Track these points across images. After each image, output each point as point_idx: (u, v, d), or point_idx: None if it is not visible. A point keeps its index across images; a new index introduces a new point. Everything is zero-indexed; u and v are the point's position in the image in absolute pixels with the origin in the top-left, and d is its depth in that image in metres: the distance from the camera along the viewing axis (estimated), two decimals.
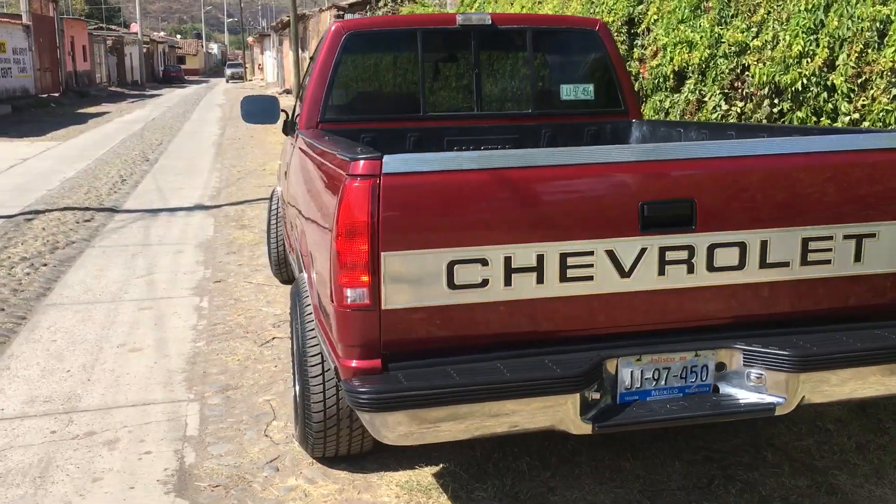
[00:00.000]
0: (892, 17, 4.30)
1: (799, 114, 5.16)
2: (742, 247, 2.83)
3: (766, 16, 5.46)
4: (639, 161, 2.76)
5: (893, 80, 4.35)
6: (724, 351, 2.86)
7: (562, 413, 2.64)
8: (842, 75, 4.71)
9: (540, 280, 2.72)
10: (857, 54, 4.57)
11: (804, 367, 2.75)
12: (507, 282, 2.70)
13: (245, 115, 5.85)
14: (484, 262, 2.67)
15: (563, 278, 2.73)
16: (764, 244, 2.85)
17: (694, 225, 2.78)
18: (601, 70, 5.20)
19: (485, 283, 2.69)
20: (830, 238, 2.89)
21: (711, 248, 2.81)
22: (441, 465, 3.62)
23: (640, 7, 7.29)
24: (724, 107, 5.85)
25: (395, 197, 2.59)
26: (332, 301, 2.71)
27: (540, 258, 2.70)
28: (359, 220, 2.58)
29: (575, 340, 2.81)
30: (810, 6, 4.97)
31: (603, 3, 7.90)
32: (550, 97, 5.14)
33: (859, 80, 4.63)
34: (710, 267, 2.82)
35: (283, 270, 6.75)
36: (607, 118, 5.20)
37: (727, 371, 2.89)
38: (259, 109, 5.81)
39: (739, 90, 5.78)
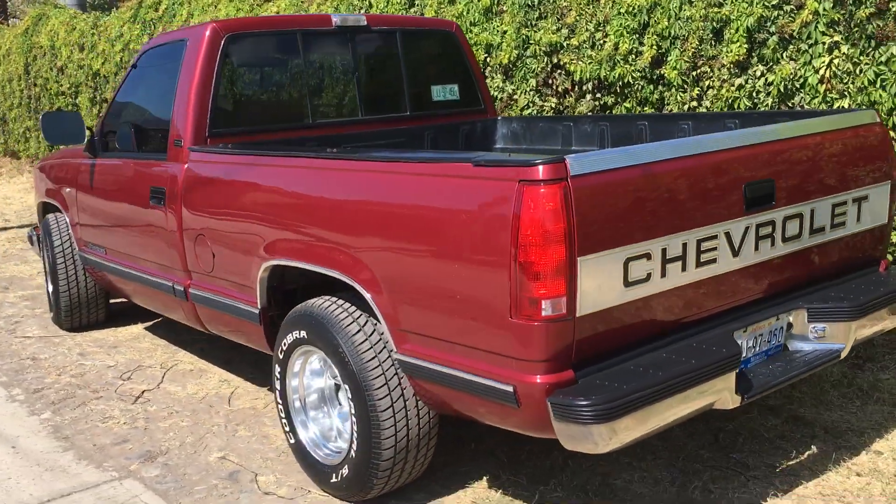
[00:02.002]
0: (731, 17, 5.02)
1: (626, 105, 5.74)
2: (801, 218, 3.19)
3: (577, 18, 5.97)
4: (742, 146, 2.97)
5: (735, 71, 5.08)
6: (795, 311, 3.20)
7: (726, 389, 2.76)
8: (675, 69, 5.36)
9: (683, 268, 2.80)
10: (693, 50, 5.24)
11: (859, 314, 3.19)
12: (663, 273, 2.74)
13: (47, 134, 4.95)
14: (648, 257, 2.68)
15: (698, 264, 2.85)
16: (812, 213, 3.23)
17: (774, 201, 3.06)
18: (461, 70, 5.29)
19: (648, 277, 2.70)
20: (846, 203, 3.38)
21: (784, 222, 3.13)
22: (486, 478, 3.50)
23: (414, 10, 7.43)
24: (539, 102, 6.26)
25: (583, 198, 2.49)
26: (513, 316, 2.51)
27: (684, 246, 2.78)
28: (553, 226, 2.43)
29: (701, 322, 2.94)
30: (632, 10, 5.56)
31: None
32: (423, 99, 5.10)
33: (694, 73, 5.31)
34: (783, 238, 3.14)
35: (77, 316, 5.79)
36: (472, 117, 5.31)
37: (793, 330, 3.23)
38: (62, 127, 4.96)
39: (553, 86, 6.23)
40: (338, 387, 3.54)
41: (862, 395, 4.13)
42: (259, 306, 3.72)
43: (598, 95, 5.92)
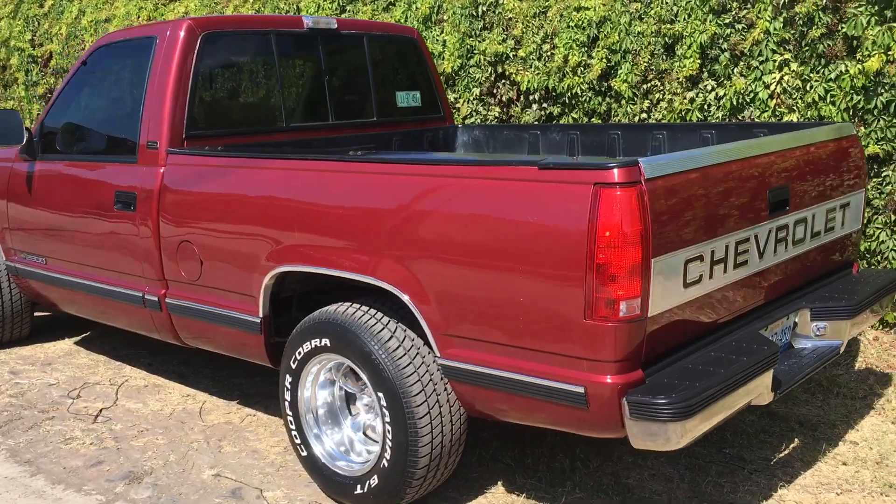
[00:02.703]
0: (684, 34, 5.25)
1: (574, 115, 5.89)
2: (805, 222, 3.38)
3: (524, 30, 6.07)
4: (770, 153, 3.12)
5: (687, 85, 5.31)
6: (801, 311, 3.39)
7: (764, 385, 2.88)
8: (625, 82, 5.55)
9: (724, 270, 2.91)
10: (645, 64, 5.44)
11: (855, 313, 3.41)
12: (711, 275, 2.84)
13: (5, 136, 4.59)
14: (701, 259, 2.77)
15: (735, 265, 2.97)
16: (813, 218, 3.44)
17: (788, 206, 3.24)
18: (423, 77, 5.28)
19: (700, 278, 2.79)
20: (836, 209, 3.61)
21: (794, 226, 3.31)
22: (501, 483, 3.50)
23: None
24: (483, 111, 6.32)
25: (655, 200, 2.55)
26: (587, 318, 2.53)
27: (726, 249, 2.90)
28: (630, 228, 2.47)
29: (732, 321, 3.06)
30: (581, 24, 5.72)
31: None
32: (389, 104, 5.05)
33: (644, 86, 5.51)
34: (793, 241, 3.32)
35: (0, 331, 5.36)
36: (433, 124, 5.30)
37: (798, 329, 3.42)
38: (12, 127, 4.61)
39: (496, 96, 6.31)
40: (349, 396, 3.46)
41: (823, 391, 4.40)
42: (260, 315, 3.57)
43: (545, 105, 6.05)
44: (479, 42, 6.27)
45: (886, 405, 4.20)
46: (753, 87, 5.02)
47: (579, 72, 5.76)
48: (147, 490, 3.55)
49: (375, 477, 3.16)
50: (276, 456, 3.83)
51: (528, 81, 6.00)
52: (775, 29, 4.90)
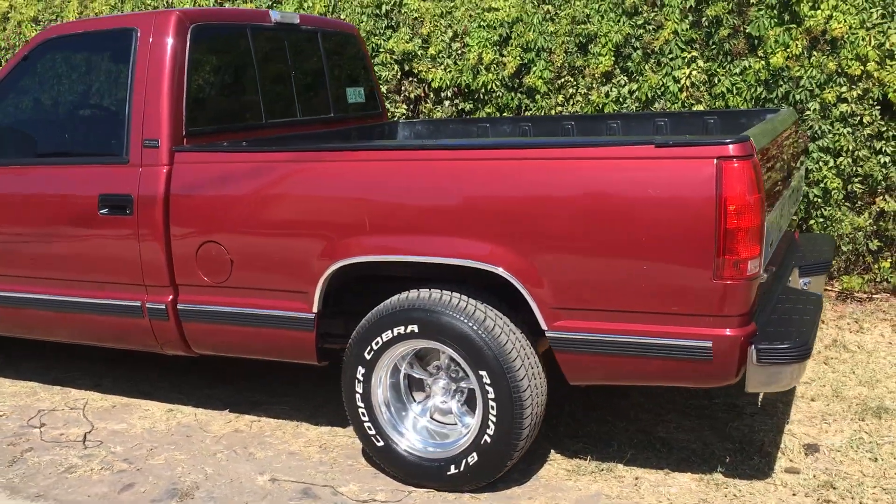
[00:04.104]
0: (598, 33, 5.70)
1: (487, 110, 6.18)
2: (794, 190, 3.94)
3: (432, 29, 6.25)
4: (784, 130, 3.62)
5: (602, 80, 5.78)
6: (793, 268, 3.93)
7: None
8: (540, 78, 5.93)
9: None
10: (560, 61, 5.84)
11: (827, 269, 4.03)
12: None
13: None
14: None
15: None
16: (798, 187, 4.00)
17: (790, 178, 3.76)
18: (364, 73, 5.32)
19: (771, 240, 3.20)
20: (801, 179, 4.21)
21: (791, 193, 3.84)
22: (551, 450, 3.72)
23: None
24: (390, 109, 6.42)
25: (760, 170, 2.91)
26: (716, 278, 2.83)
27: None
28: (752, 196, 2.81)
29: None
30: (494, 24, 6.02)
31: None
32: (341, 100, 5.04)
33: (558, 82, 5.92)
34: (789, 206, 3.86)
35: None
36: (374, 120, 5.36)
37: (790, 283, 3.96)
38: None
39: (403, 93, 6.43)
40: (410, 380, 3.50)
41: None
42: (314, 311, 3.51)
43: (456, 101, 6.29)
44: (385, 41, 6.37)
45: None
46: (664, 81, 5.60)
47: (493, 69, 6.07)
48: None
49: (475, 454, 3.26)
50: (320, 454, 3.76)
51: (441, 79, 6.20)
52: (683, 30, 5.51)
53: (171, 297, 3.80)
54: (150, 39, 3.84)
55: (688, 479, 3.44)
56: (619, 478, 3.46)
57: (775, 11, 5.26)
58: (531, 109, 6.09)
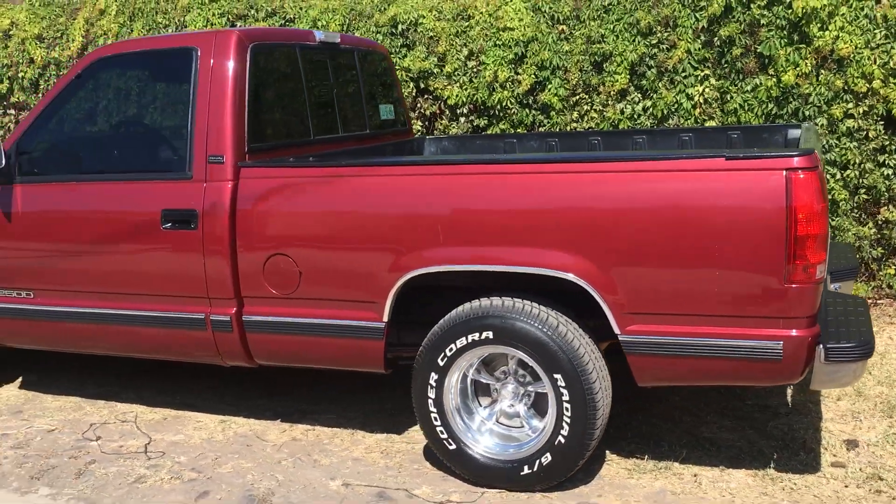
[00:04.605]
0: (612, 51, 5.93)
1: (501, 126, 6.36)
2: None
3: (448, 48, 6.42)
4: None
5: (617, 97, 6.01)
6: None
7: None
8: (555, 95, 6.13)
9: None
10: (576, 78, 6.06)
11: (856, 275, 4.27)
12: None
13: None
14: None
15: None
16: None
17: None
18: (394, 91, 5.47)
19: None
20: None
21: None
22: (606, 450, 3.88)
23: None
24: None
25: (824, 180, 3.12)
26: (787, 282, 3.02)
27: None
28: (819, 205, 3.02)
29: None
30: (511, 43, 6.21)
31: None
32: (374, 117, 5.18)
33: (573, 99, 6.13)
34: None
35: None
36: (402, 136, 5.51)
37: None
38: None
39: (419, 110, 6.59)
40: (476, 385, 3.64)
41: None
42: (385, 320, 3.63)
43: (472, 118, 6.46)
44: (401, 59, 6.52)
45: None
46: (678, 98, 5.85)
47: (508, 86, 6.26)
48: None
49: (548, 455, 3.40)
50: (384, 460, 3.88)
51: (457, 96, 6.38)
52: (696, 49, 5.76)
53: (234, 308, 3.90)
54: (211, 58, 3.94)
55: (742, 474, 3.63)
56: (678, 475, 3.64)
57: (785, 32, 5.53)
58: (545, 126, 6.29)
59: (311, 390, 4.77)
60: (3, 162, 4.19)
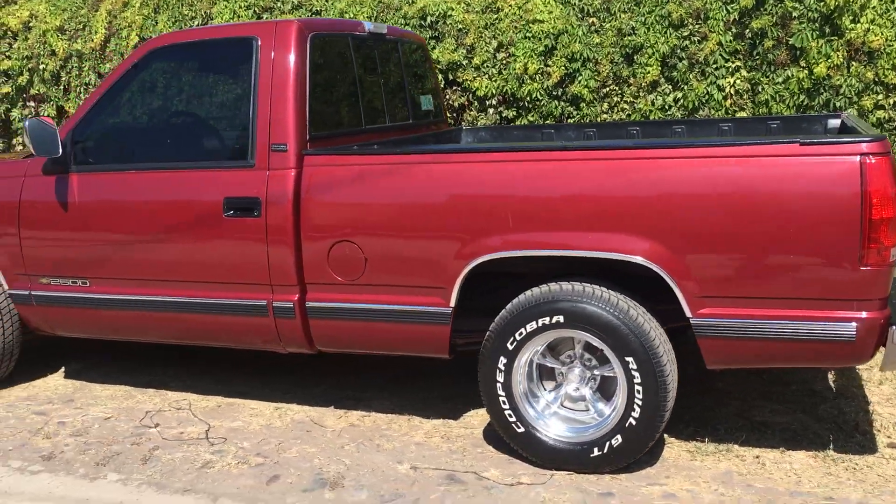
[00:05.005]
0: (644, 43, 6.00)
1: (530, 118, 6.43)
2: None
3: (476, 40, 6.47)
4: None
5: (648, 89, 6.08)
6: None
7: None
8: (585, 87, 6.20)
9: None
10: (607, 70, 6.12)
11: None
12: None
13: (40, 146, 4.15)
14: None
15: None
16: None
17: None
18: (432, 81, 5.52)
19: None
20: None
21: None
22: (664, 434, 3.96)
23: None
24: None
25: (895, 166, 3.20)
26: (862, 265, 3.10)
27: None
28: (892, 189, 3.09)
29: None
30: (541, 35, 6.27)
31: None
32: (415, 108, 5.23)
33: (603, 91, 6.20)
34: None
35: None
36: (441, 126, 5.56)
37: None
38: (46, 139, 4.19)
39: (447, 101, 6.63)
40: (541, 369, 3.69)
41: None
42: (451, 306, 3.68)
43: (500, 109, 6.52)
44: (430, 51, 6.56)
45: None
46: (709, 90, 5.93)
47: (537, 78, 6.32)
48: (361, 492, 3.51)
49: (619, 437, 3.47)
50: (446, 443, 3.93)
51: (486, 87, 6.43)
52: (727, 41, 5.84)
53: (297, 295, 3.93)
54: (273, 48, 3.97)
55: (803, 455, 3.71)
56: (740, 457, 3.71)
57: (817, 24, 5.62)
58: (574, 117, 6.36)
59: (358, 378, 4.81)
60: (60, 151, 4.20)
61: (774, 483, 3.47)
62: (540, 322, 3.51)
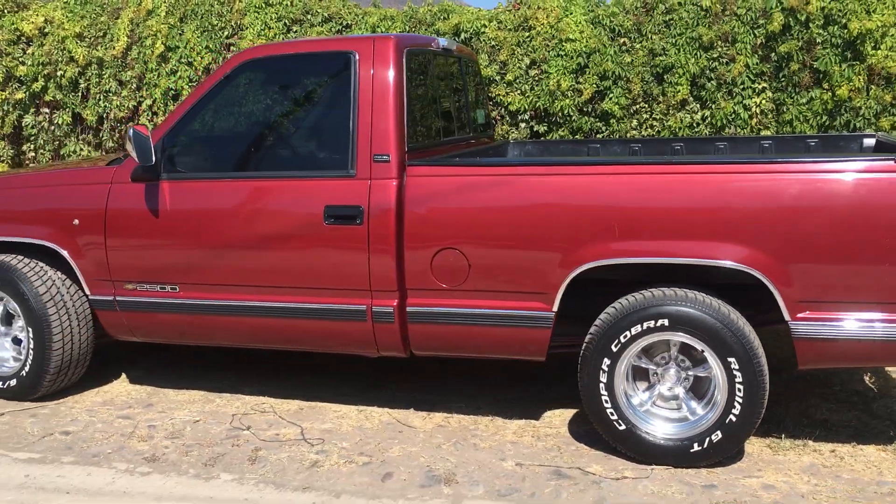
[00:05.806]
0: (675, 63, 6.32)
1: (560, 132, 6.69)
2: None
3: (509, 57, 6.71)
4: None
5: (677, 107, 6.40)
6: None
7: None
8: (616, 104, 6.49)
9: None
10: (638, 88, 6.43)
11: None
12: None
13: (141, 155, 4.23)
14: None
15: None
16: None
17: None
18: (483, 96, 5.73)
19: None
20: None
21: None
22: None
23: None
24: None
25: None
26: None
27: None
28: None
29: None
30: (573, 54, 6.54)
31: None
32: (473, 122, 5.43)
33: (633, 108, 6.50)
34: None
35: (63, 377, 4.75)
36: (491, 140, 5.77)
37: None
38: (145, 147, 4.28)
39: None
40: (635, 370, 3.92)
41: None
42: (554, 311, 3.90)
43: (532, 124, 6.77)
44: None
45: None
46: (736, 109, 6.28)
47: (569, 94, 6.59)
48: (476, 487, 3.68)
49: (719, 433, 3.72)
50: (539, 442, 4.13)
51: (519, 103, 6.67)
52: (754, 63, 6.20)
53: (397, 300, 4.09)
54: (372, 61, 4.14)
55: (873, 449, 4.02)
56: (817, 451, 4.00)
57: (839, 50, 6.02)
58: (603, 133, 6.64)
59: (426, 383, 4.97)
60: (153, 159, 4.28)
61: (859, 474, 3.76)
62: (645, 325, 3.75)
